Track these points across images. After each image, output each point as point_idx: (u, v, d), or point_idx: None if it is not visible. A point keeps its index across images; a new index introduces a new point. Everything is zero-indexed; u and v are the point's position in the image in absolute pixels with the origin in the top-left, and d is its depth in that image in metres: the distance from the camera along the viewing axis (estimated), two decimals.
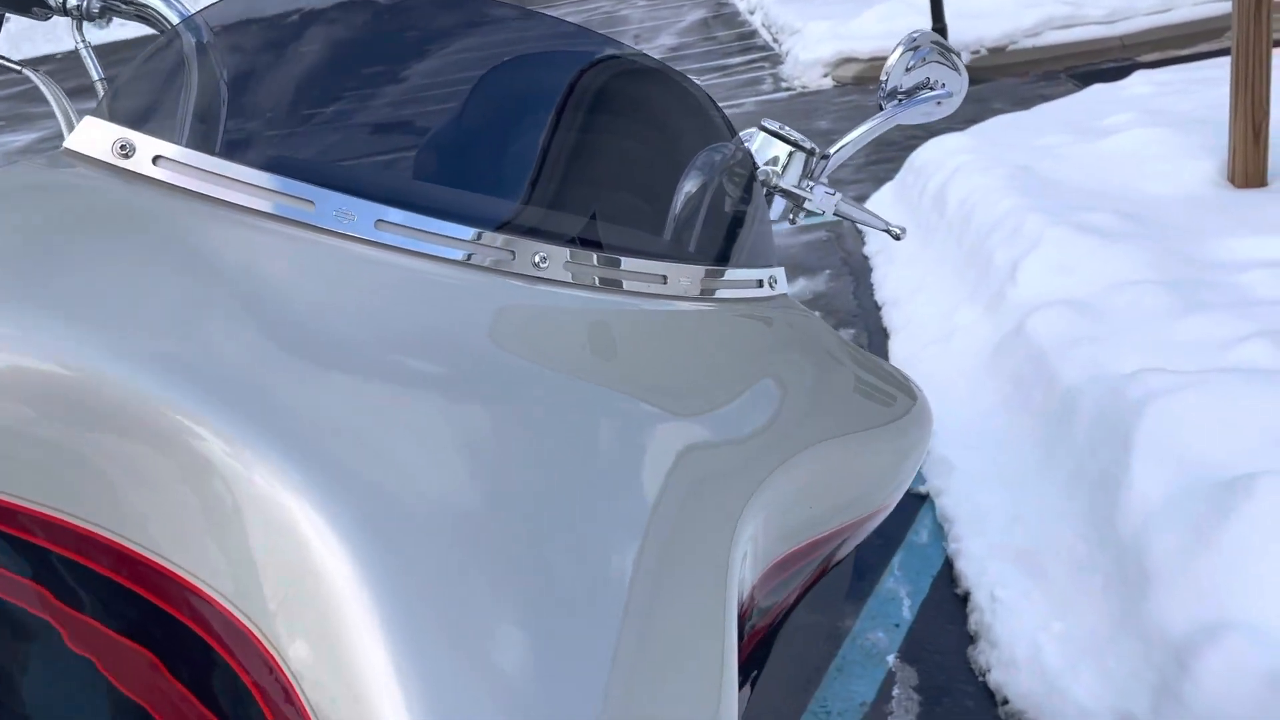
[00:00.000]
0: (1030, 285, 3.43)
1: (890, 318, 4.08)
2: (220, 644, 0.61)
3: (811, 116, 7.21)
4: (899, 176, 5.27)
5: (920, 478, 3.06)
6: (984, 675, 2.28)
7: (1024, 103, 6.20)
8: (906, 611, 2.53)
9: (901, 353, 3.77)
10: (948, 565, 2.65)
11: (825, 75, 8.32)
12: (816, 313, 1.16)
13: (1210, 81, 4.89)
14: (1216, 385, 2.46)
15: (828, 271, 4.68)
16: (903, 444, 1.00)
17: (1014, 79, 7.40)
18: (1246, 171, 3.80)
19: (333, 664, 0.56)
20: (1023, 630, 2.27)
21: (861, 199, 5.43)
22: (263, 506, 0.60)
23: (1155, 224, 3.66)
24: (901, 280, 4.30)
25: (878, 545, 2.81)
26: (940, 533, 2.78)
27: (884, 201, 5.14)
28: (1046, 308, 3.22)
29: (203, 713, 0.62)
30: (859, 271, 4.61)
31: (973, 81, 1.07)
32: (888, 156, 5.68)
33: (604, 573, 0.63)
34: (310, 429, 0.63)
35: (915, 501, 2.97)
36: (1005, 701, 2.19)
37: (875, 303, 4.27)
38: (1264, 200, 3.71)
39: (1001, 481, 2.80)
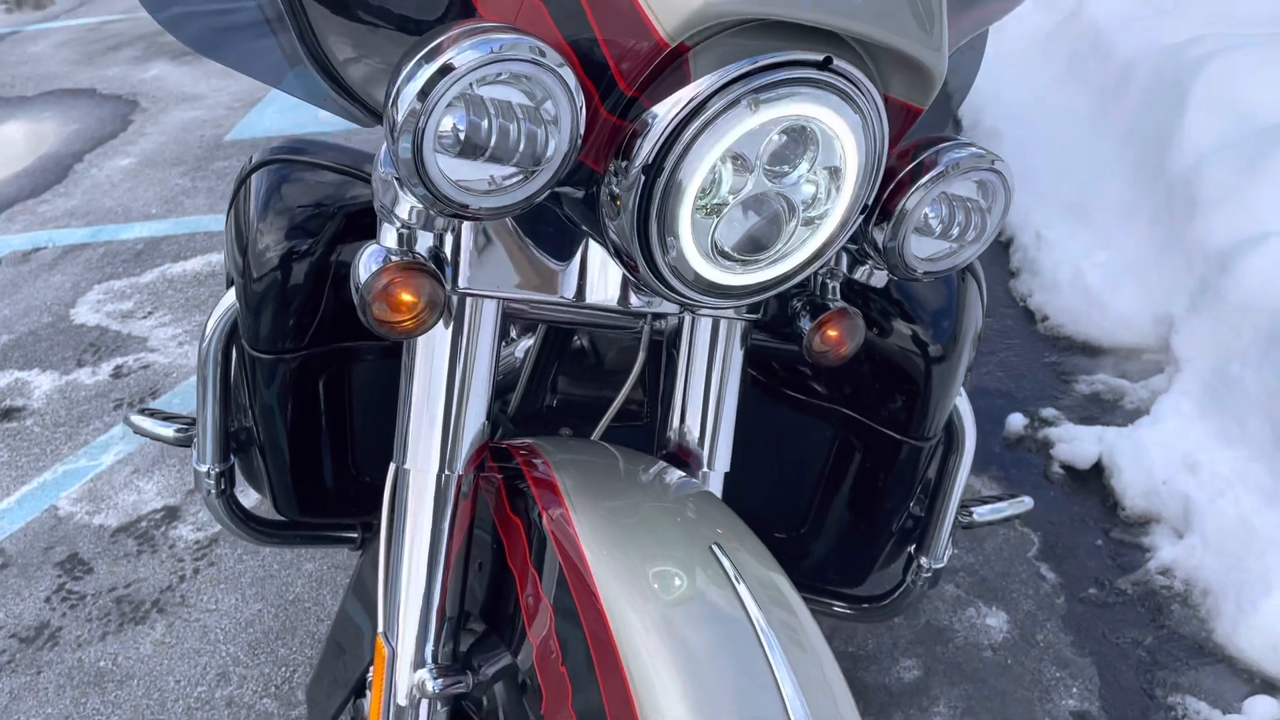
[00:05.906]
0: None
1: None
2: None
3: None
4: None
5: None
6: (1024, 300, 2.45)
7: None
8: None
9: None
10: None
11: None
12: None
13: None
14: (1276, 45, 2.53)
15: None
16: None
17: None
18: None
19: None
20: (1066, 259, 2.42)
21: None
22: None
23: None
24: None
25: None
26: None
27: None
28: None
29: None
30: None
31: None
32: None
33: None
34: None
35: None
36: (1045, 318, 2.36)
37: None
38: None
39: (1050, 145, 2.90)
